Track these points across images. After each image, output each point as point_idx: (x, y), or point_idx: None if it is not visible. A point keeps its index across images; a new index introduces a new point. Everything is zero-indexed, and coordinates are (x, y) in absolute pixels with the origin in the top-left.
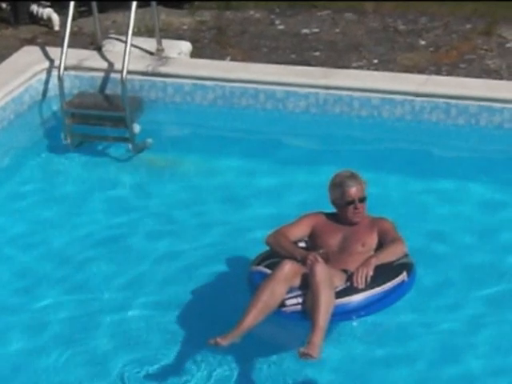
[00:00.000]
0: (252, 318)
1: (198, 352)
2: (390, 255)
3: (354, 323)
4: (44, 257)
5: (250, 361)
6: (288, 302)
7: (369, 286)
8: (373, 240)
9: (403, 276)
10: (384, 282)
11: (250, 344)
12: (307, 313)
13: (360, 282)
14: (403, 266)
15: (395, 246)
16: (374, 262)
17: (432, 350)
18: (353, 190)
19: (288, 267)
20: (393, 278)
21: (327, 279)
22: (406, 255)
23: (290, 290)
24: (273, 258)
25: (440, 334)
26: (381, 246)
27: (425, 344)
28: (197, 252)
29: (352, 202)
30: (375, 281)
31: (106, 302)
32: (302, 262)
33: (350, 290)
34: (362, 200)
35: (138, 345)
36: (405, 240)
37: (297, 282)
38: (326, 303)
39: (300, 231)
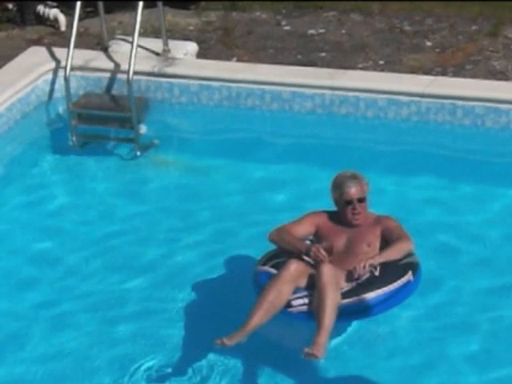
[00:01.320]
0: (258, 317)
1: (202, 352)
2: (394, 253)
3: (357, 324)
4: (45, 256)
5: (254, 361)
6: (294, 303)
7: (375, 287)
8: (378, 239)
9: (408, 276)
10: (389, 283)
11: (256, 344)
12: (313, 313)
13: (360, 270)
14: (408, 265)
15: (400, 244)
16: (378, 258)
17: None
18: (352, 191)
19: (294, 267)
20: (398, 279)
21: (333, 280)
22: (412, 254)
23: (296, 291)
24: (278, 257)
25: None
26: (385, 244)
27: (422, 343)
28: (200, 251)
29: (350, 203)
30: (381, 281)
31: (111, 300)
32: (306, 254)
33: (355, 290)
34: (361, 201)
35: (141, 345)
36: (411, 237)
37: (303, 282)
38: (332, 304)
39: (303, 229)
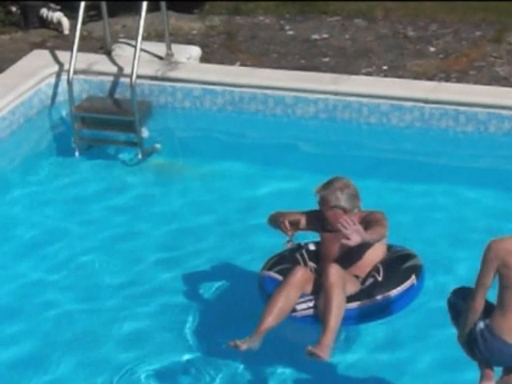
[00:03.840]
0: (268, 323)
1: (207, 353)
2: (375, 235)
3: (363, 328)
4: (46, 257)
5: (259, 361)
6: (298, 307)
7: (381, 291)
8: None
9: (412, 280)
10: (394, 287)
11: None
12: (318, 316)
13: (345, 223)
14: (412, 269)
15: (378, 227)
16: (364, 234)
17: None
18: (320, 198)
19: (301, 273)
20: (402, 283)
21: (340, 281)
22: (415, 256)
23: (301, 296)
24: (283, 263)
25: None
26: None
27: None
28: (203, 254)
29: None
30: (385, 286)
31: (113, 305)
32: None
33: (360, 295)
34: (325, 210)
35: (147, 347)
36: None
37: (308, 288)
38: (338, 305)
39: (299, 218)
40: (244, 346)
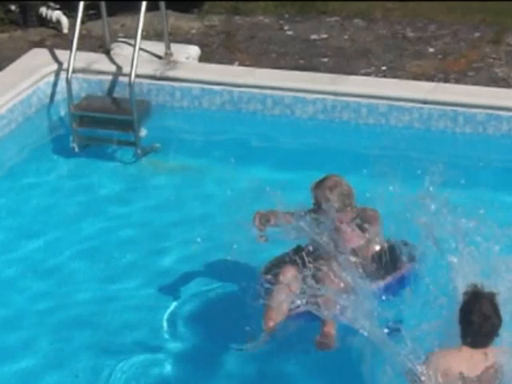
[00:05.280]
0: (270, 326)
1: (206, 352)
2: (372, 235)
3: None
4: (44, 258)
5: (259, 361)
6: (294, 305)
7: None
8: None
9: (404, 269)
10: (385, 276)
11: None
12: (315, 311)
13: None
14: (405, 259)
15: (373, 226)
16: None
17: None
18: (312, 197)
19: (290, 273)
20: (393, 272)
21: (331, 271)
22: (407, 244)
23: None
24: (280, 267)
25: None
26: None
27: None
28: (201, 254)
29: None
30: (376, 276)
31: (106, 303)
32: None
33: None
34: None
35: (142, 347)
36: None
37: (300, 285)
38: (334, 293)
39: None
40: (251, 350)
